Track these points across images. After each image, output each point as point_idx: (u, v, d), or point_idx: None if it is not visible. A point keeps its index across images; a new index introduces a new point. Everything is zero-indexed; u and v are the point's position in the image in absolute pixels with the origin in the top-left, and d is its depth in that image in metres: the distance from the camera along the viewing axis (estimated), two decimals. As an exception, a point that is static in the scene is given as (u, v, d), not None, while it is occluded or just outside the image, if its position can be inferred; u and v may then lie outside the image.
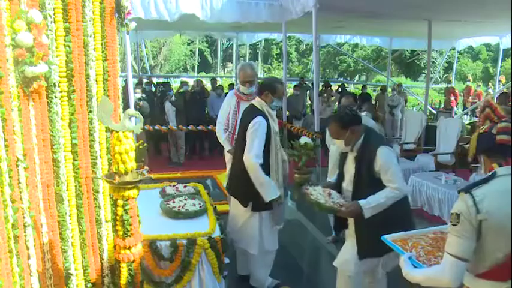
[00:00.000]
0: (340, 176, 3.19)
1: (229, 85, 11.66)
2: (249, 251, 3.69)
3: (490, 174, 1.87)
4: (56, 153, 2.39)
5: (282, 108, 8.78)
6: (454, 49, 14.35)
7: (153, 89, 10.69)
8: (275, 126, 3.59)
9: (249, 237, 3.65)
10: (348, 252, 3.06)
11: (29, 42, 2.10)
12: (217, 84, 11.06)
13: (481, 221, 1.77)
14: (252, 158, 3.40)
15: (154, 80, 13.79)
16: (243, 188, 3.60)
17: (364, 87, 14.24)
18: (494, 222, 1.76)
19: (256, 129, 3.43)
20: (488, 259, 1.82)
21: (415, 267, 2.05)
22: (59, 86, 2.38)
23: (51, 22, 2.31)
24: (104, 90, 2.58)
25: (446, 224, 5.52)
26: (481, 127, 2.13)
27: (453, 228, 1.84)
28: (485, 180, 1.84)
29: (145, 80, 11.50)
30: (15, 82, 2.12)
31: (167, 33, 13.86)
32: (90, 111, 2.53)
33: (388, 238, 2.39)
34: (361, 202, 2.86)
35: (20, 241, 2.12)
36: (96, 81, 2.54)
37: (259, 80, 4.20)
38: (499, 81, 14.02)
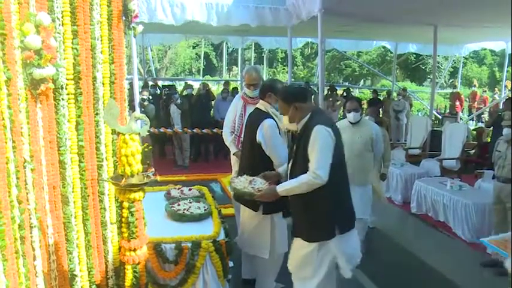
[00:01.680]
0: (289, 158, 3.04)
1: (232, 89, 11.68)
2: (260, 256, 3.66)
3: None
4: (62, 155, 2.40)
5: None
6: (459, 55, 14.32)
7: (159, 91, 10.73)
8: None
9: (261, 241, 3.60)
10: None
11: (38, 44, 2.12)
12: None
13: None
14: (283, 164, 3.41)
15: (160, 83, 13.84)
16: None
17: (374, 91, 14.18)
18: None
19: (271, 134, 3.43)
20: None
21: None
22: (66, 89, 2.40)
23: (60, 25, 2.34)
24: (111, 92, 2.60)
25: (451, 229, 5.50)
26: None
27: None
28: None
29: (150, 83, 11.55)
30: (23, 84, 2.14)
31: (173, 37, 13.88)
32: (97, 114, 2.55)
33: (487, 240, 2.36)
34: (278, 186, 2.83)
35: (26, 242, 2.13)
36: (103, 83, 2.56)
37: None
38: (505, 86, 13.96)
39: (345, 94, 12.54)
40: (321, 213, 2.78)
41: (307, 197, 2.74)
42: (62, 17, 2.35)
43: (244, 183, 3.02)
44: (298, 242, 2.92)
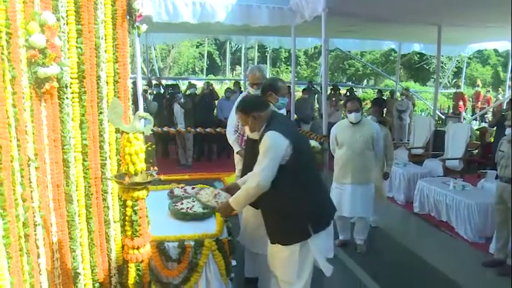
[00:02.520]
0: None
1: (240, 87, 11.71)
2: (263, 254, 3.66)
3: None
4: (66, 153, 2.41)
5: (290, 112, 8.80)
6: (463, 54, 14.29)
7: (162, 91, 10.77)
8: None
9: (263, 239, 3.62)
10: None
11: (42, 43, 2.13)
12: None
13: None
14: None
15: (163, 82, 13.86)
16: None
17: (379, 91, 14.12)
18: None
19: None
20: None
21: None
22: (70, 87, 2.41)
23: (64, 24, 2.35)
24: (115, 91, 2.60)
25: (454, 229, 5.49)
26: None
27: None
28: None
29: (154, 82, 11.57)
30: (28, 83, 2.15)
31: (177, 37, 13.89)
32: (101, 113, 2.55)
33: None
34: (230, 199, 2.86)
35: (30, 240, 2.14)
36: (107, 82, 2.56)
37: None
38: (509, 86, 13.90)
39: (348, 94, 12.53)
40: (292, 215, 2.78)
41: (276, 201, 2.76)
42: (67, 16, 2.35)
43: (209, 196, 3.10)
44: (275, 248, 2.93)
